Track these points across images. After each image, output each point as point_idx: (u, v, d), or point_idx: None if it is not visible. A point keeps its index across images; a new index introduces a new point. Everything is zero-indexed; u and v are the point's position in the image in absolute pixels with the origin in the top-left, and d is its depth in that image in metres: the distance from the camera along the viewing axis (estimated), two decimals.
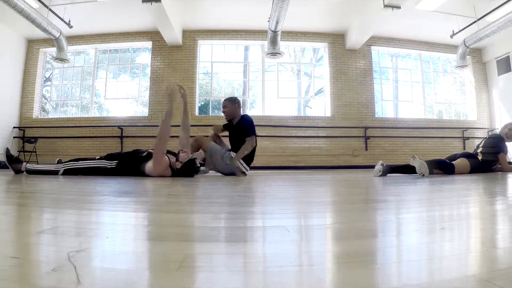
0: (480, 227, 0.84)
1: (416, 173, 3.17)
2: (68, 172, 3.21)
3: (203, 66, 7.91)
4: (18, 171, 3.35)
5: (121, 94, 7.88)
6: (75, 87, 8.02)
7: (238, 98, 4.22)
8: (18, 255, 0.57)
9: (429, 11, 6.35)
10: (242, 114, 4.02)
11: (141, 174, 3.13)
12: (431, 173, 3.20)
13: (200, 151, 3.78)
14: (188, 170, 3.13)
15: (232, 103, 3.94)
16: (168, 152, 3.26)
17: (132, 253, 0.60)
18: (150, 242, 0.69)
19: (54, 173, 3.23)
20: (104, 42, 7.53)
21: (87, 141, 7.07)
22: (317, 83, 8.50)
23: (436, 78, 8.33)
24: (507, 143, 3.92)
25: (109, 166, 3.19)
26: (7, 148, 3.48)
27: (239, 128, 3.86)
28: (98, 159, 3.28)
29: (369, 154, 7.26)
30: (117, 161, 3.21)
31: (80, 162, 3.26)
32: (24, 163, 3.40)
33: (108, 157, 3.30)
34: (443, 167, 3.47)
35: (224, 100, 4.04)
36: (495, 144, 3.84)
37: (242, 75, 7.97)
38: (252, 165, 3.92)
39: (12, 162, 3.37)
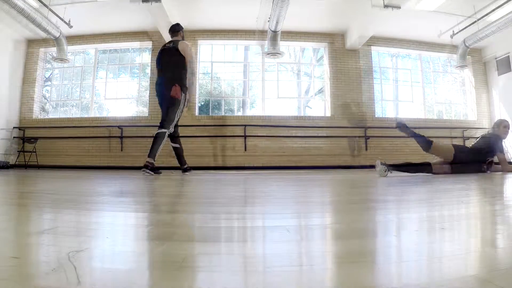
0: (480, 227, 0.84)
1: (422, 172, 3.23)
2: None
3: (203, 66, 7.89)
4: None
5: (121, 94, 7.87)
6: (75, 87, 8.01)
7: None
8: (18, 255, 0.57)
9: (429, 11, 6.35)
10: None
11: None
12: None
13: None
14: None
15: None
16: None
17: (132, 253, 0.60)
18: (150, 242, 0.69)
19: None
20: (104, 42, 7.52)
21: (87, 141, 7.06)
22: (317, 83, 8.49)
23: (436, 78, 8.32)
24: (504, 140, 3.80)
25: None
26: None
27: None
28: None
29: (369, 154, 7.25)
30: None
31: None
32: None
33: None
34: (419, 140, 3.46)
35: None
36: (492, 144, 3.69)
37: (242, 75, 7.96)
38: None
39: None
